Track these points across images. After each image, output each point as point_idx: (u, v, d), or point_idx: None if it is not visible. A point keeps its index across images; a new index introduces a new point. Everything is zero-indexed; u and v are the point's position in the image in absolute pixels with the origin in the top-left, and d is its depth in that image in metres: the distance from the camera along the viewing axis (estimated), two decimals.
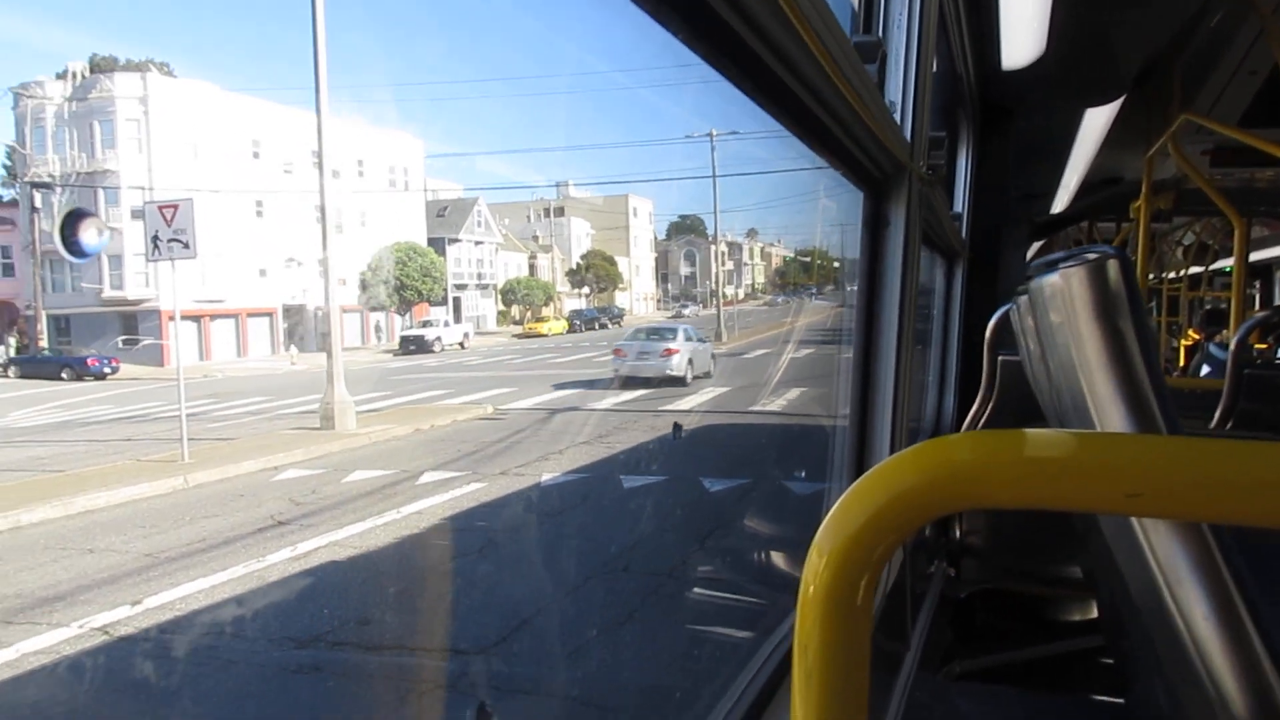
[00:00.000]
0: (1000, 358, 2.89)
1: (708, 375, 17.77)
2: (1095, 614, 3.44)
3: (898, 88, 2.10)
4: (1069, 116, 5.20)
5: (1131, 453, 0.60)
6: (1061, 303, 1.00)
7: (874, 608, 0.61)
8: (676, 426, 12.65)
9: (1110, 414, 0.93)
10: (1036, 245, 10.21)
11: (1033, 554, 3.70)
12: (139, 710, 4.48)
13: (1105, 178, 6.95)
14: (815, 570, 0.61)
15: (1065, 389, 1.11)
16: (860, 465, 2.22)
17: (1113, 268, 0.92)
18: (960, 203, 4.58)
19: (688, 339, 18.35)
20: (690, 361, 17.60)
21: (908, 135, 2.04)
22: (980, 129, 4.71)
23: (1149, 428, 0.92)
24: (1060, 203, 8.02)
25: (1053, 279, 1.03)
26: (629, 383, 17.11)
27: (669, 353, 17.65)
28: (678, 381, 17.01)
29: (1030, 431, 0.61)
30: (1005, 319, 2.58)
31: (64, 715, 4.53)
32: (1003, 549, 3.75)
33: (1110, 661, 3.15)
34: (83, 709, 4.59)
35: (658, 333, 19.61)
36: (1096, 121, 5.26)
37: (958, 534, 3.78)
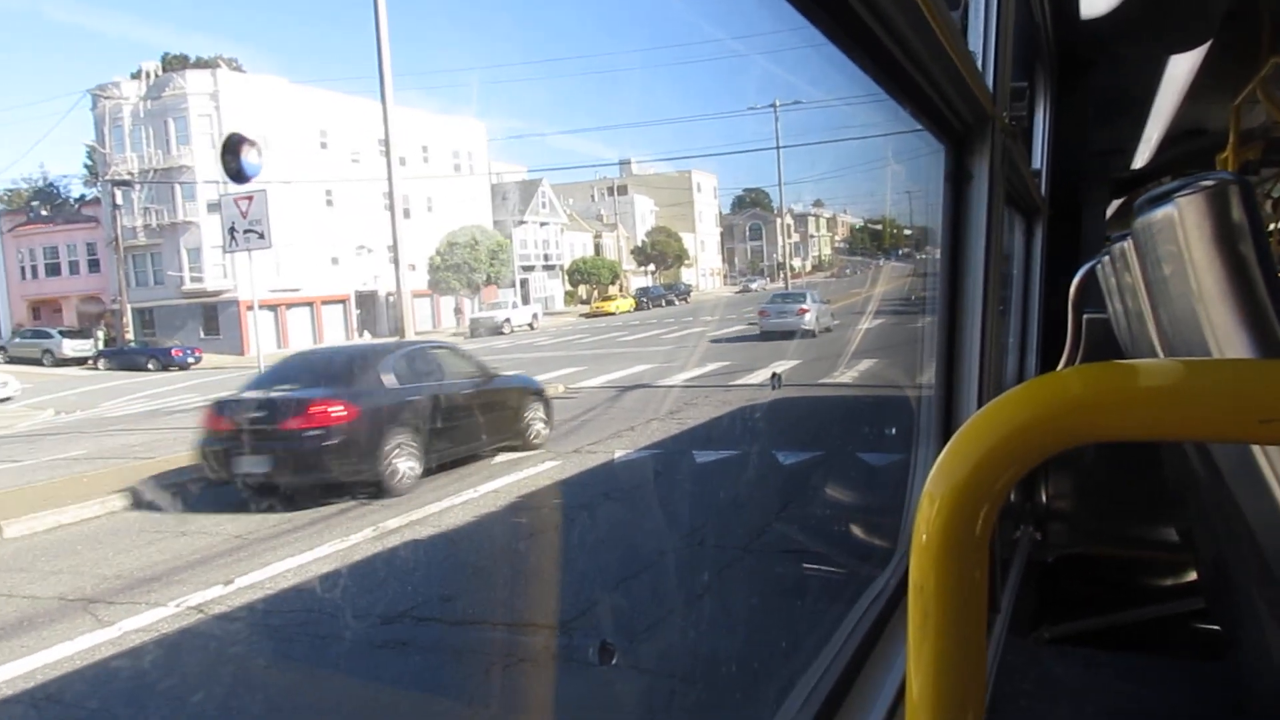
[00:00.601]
0: (1086, 316, 2.81)
1: (828, 330, 21.59)
2: (1191, 577, 3.35)
3: (978, 36, 2.04)
4: (1151, 66, 5.01)
5: (1264, 377, 0.57)
6: (1176, 234, 0.96)
7: (990, 542, 0.60)
8: (775, 376, 14.47)
9: (1232, 343, 0.89)
10: (1116, 203, 9.92)
11: (1122, 516, 3.61)
12: (236, 684, 4.63)
13: (1189, 129, 6.69)
14: (927, 516, 0.60)
15: (1173, 326, 1.06)
16: (948, 428, 2.18)
17: (1234, 193, 0.88)
18: (1039, 159, 4.46)
19: (814, 301, 22.67)
20: (817, 318, 21.63)
21: (989, 85, 1.98)
22: (1058, 82, 4.56)
23: (1276, 355, 0.88)
24: (1141, 158, 7.76)
25: (1165, 210, 0.98)
26: (767, 336, 21.28)
27: (802, 311, 21.99)
28: (808, 334, 20.86)
29: (1147, 362, 0.59)
30: (1090, 276, 2.51)
31: (164, 689, 4.70)
32: (1091, 512, 3.67)
33: (1208, 626, 3.06)
34: (182, 683, 4.76)
35: (791, 297, 25.53)
36: (1180, 70, 5.06)
37: (1044, 498, 3.70)
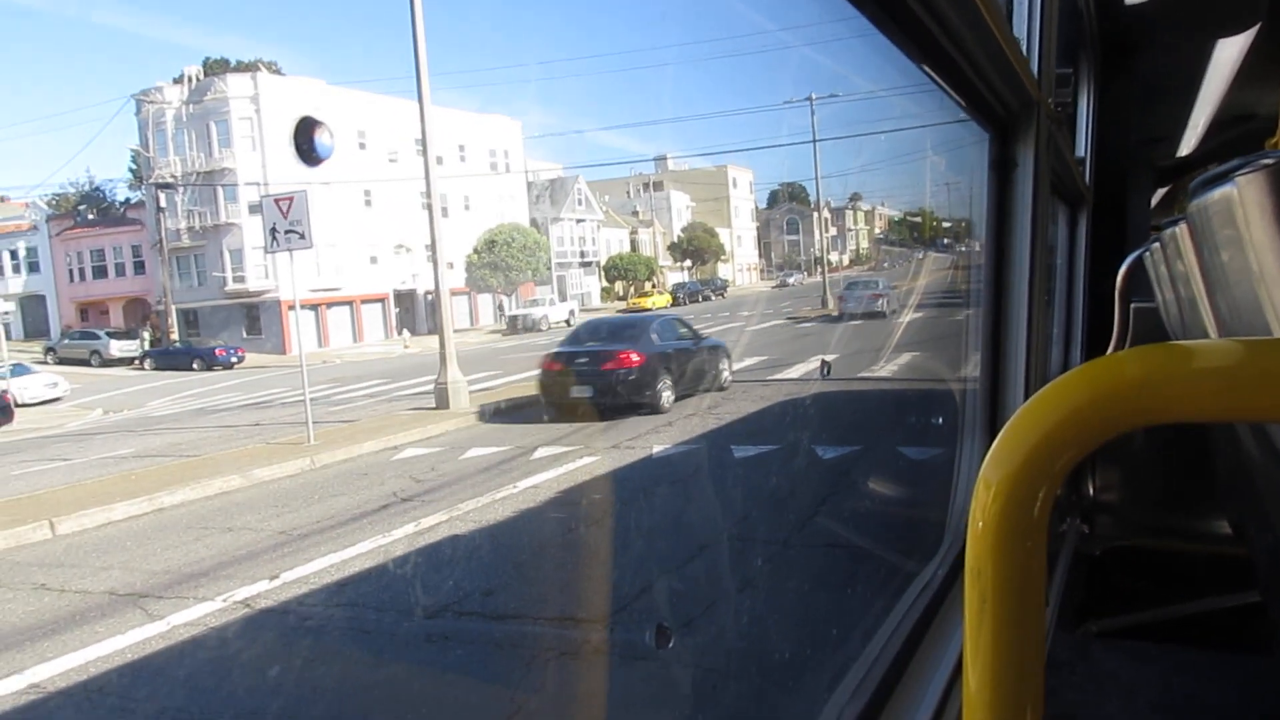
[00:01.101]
0: (1133, 306, 2.77)
1: (895, 312, 24.56)
2: (1244, 569, 3.28)
3: (1023, 21, 2.01)
4: (1197, 50, 4.90)
5: None
6: (1235, 214, 0.93)
7: (1048, 524, 0.59)
8: (824, 364, 16.76)
9: None
10: (1161, 192, 9.74)
11: (1171, 508, 3.55)
12: (281, 676, 4.69)
13: (1237, 115, 6.54)
14: (983, 502, 0.59)
15: (1231, 311, 1.04)
16: (994, 419, 2.15)
17: None
18: (1083, 147, 4.39)
19: (887, 288, 26.31)
20: (888, 303, 25.03)
21: (1034, 70, 1.95)
22: (1102, 68, 4.48)
23: None
24: (1187, 145, 7.61)
25: (1224, 190, 0.96)
26: (846, 317, 25.63)
27: (876, 296, 25.60)
28: (880, 315, 24.35)
29: (1206, 342, 0.57)
30: (1137, 265, 2.47)
31: (213, 682, 4.78)
32: (1139, 504, 3.61)
33: (1262, 620, 3.00)
34: (229, 676, 4.83)
35: (866, 284, 29.59)
36: (1227, 54, 4.94)
37: (1090, 490, 3.65)
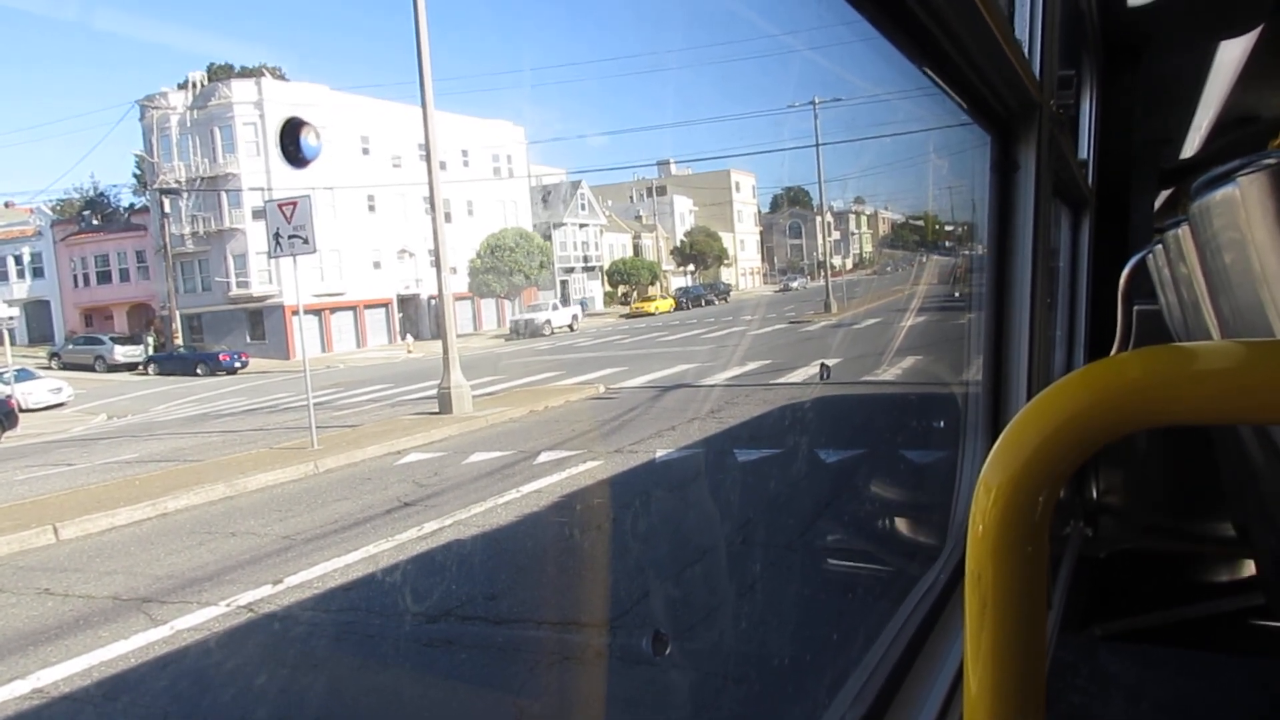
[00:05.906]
0: (1136, 308, 2.76)
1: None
2: (1250, 572, 3.28)
3: (1024, 23, 2.01)
4: (1201, 52, 4.90)
5: None
6: (1237, 215, 0.92)
7: (1049, 528, 0.58)
8: (824, 367, 16.37)
9: None
10: (1164, 194, 9.72)
11: (1176, 511, 3.54)
12: (286, 680, 4.69)
13: (1240, 117, 6.53)
14: (984, 506, 0.58)
15: (1233, 313, 1.03)
16: (996, 422, 2.14)
17: None
18: (1085, 150, 4.38)
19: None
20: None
21: (1036, 72, 1.95)
22: (1105, 70, 4.47)
23: None
24: (1190, 147, 7.60)
25: (1225, 191, 0.95)
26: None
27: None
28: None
29: (1208, 344, 0.57)
30: (1140, 267, 2.47)
31: (216, 685, 4.77)
32: (1143, 507, 3.60)
33: (1267, 623, 2.99)
34: (233, 679, 4.83)
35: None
36: (1230, 55, 4.94)
37: (1094, 493, 3.64)
